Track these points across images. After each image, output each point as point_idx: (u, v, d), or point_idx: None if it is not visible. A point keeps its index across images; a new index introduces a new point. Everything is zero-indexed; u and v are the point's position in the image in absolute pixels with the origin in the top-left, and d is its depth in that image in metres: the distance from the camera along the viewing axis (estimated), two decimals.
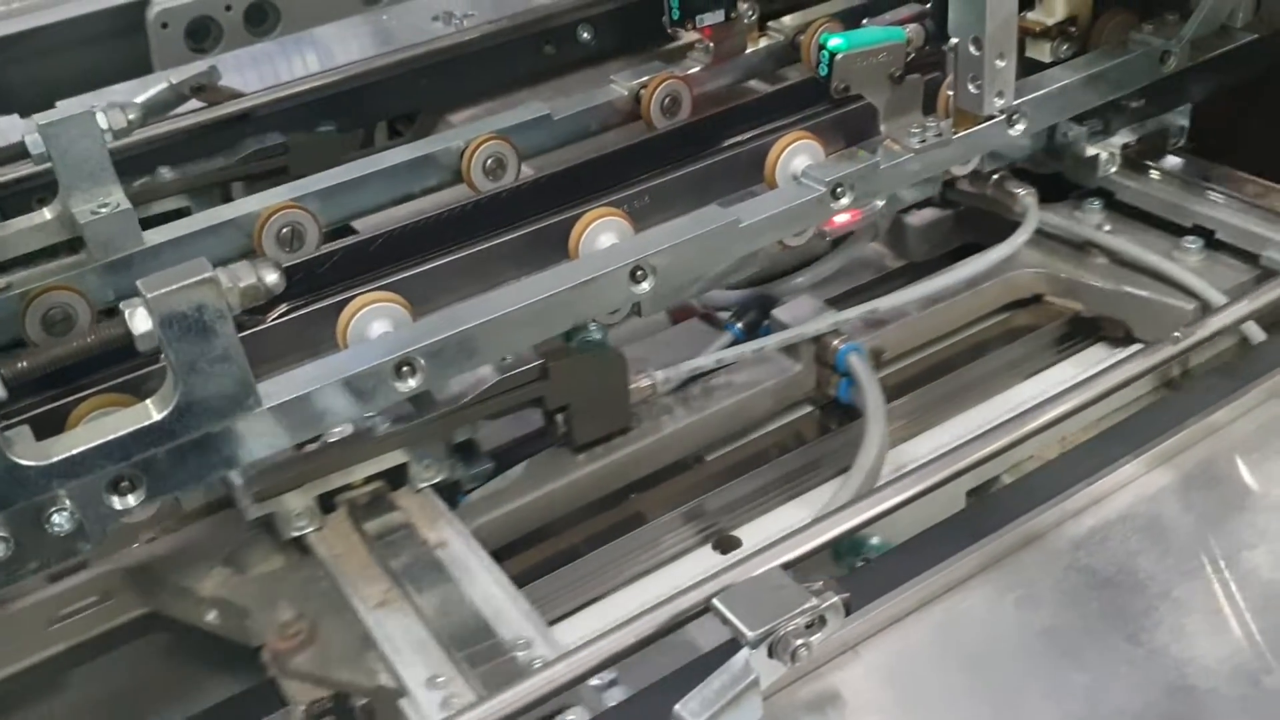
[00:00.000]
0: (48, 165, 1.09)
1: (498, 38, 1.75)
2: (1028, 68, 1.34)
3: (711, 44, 1.41)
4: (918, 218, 1.50)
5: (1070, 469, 0.80)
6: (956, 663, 0.78)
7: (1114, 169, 1.43)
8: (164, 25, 1.96)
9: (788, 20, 1.50)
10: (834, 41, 1.12)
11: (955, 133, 1.17)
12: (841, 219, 1.19)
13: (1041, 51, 1.32)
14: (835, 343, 1.30)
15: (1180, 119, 1.45)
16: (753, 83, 1.49)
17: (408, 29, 1.81)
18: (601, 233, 1.09)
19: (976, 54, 1.11)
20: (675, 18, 1.34)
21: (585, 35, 1.77)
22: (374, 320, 0.98)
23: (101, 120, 1.16)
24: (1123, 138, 1.43)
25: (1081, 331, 1.34)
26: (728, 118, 1.34)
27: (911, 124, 1.18)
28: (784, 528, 1.09)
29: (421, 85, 1.71)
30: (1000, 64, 1.11)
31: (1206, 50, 1.32)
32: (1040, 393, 1.21)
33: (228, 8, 2.01)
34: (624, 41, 1.79)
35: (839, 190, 1.14)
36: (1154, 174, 1.42)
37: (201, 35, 2.00)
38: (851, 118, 1.26)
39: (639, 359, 1.27)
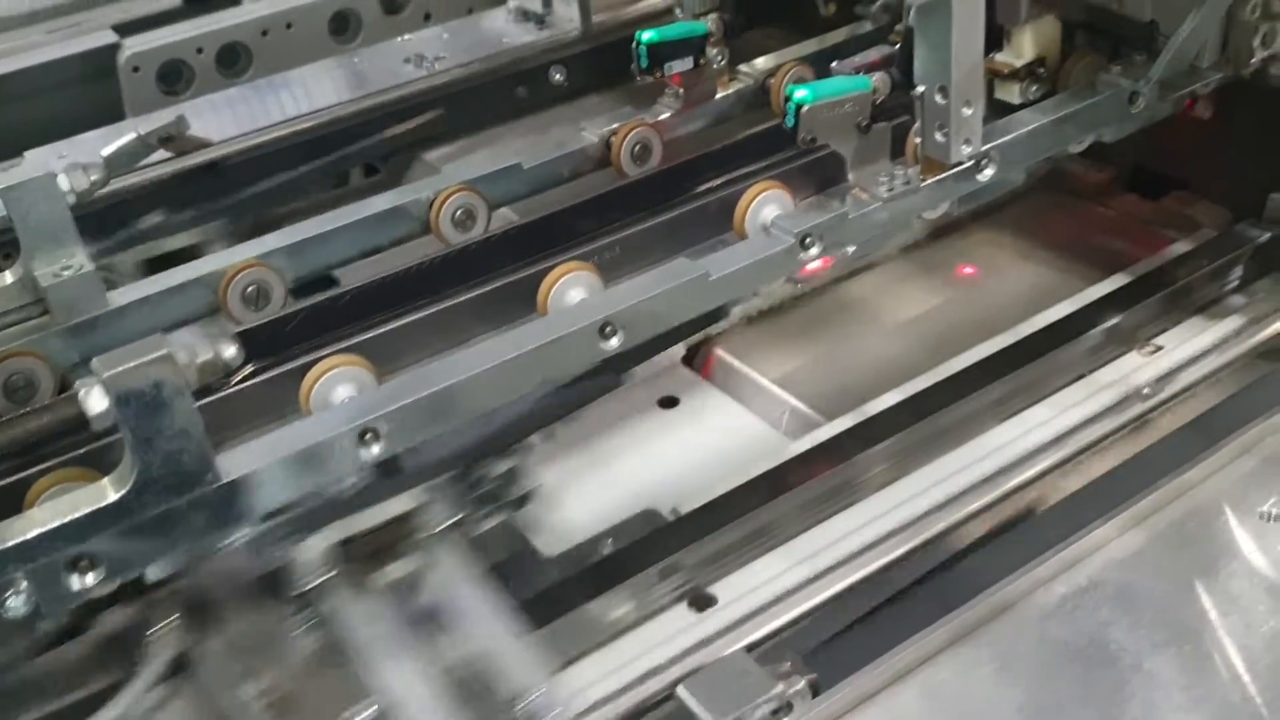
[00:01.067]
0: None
1: (470, 81, 1.75)
2: (997, 109, 1.35)
3: (681, 90, 1.41)
4: None
5: (1040, 533, 0.79)
6: None
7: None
8: (135, 69, 1.96)
9: (758, 64, 1.50)
10: (800, 93, 1.11)
11: (923, 180, 1.17)
12: (813, 266, 1.19)
13: (1010, 93, 1.32)
14: None
15: None
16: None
17: (380, 72, 1.80)
18: (571, 288, 1.08)
19: (942, 102, 1.10)
20: (644, 66, 1.34)
21: (558, 77, 1.77)
22: (337, 385, 0.97)
23: (63, 182, 1.15)
24: None
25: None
26: (698, 165, 1.34)
27: (879, 172, 1.17)
28: (762, 581, 1.09)
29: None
30: (967, 112, 1.11)
31: (1175, 89, 1.32)
32: (1018, 435, 1.21)
33: (199, 50, 2.01)
34: (597, 82, 1.79)
35: (808, 240, 1.13)
36: None
37: (173, 79, 2.00)
38: (820, 165, 1.25)
39: None
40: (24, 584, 0.79)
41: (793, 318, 1.55)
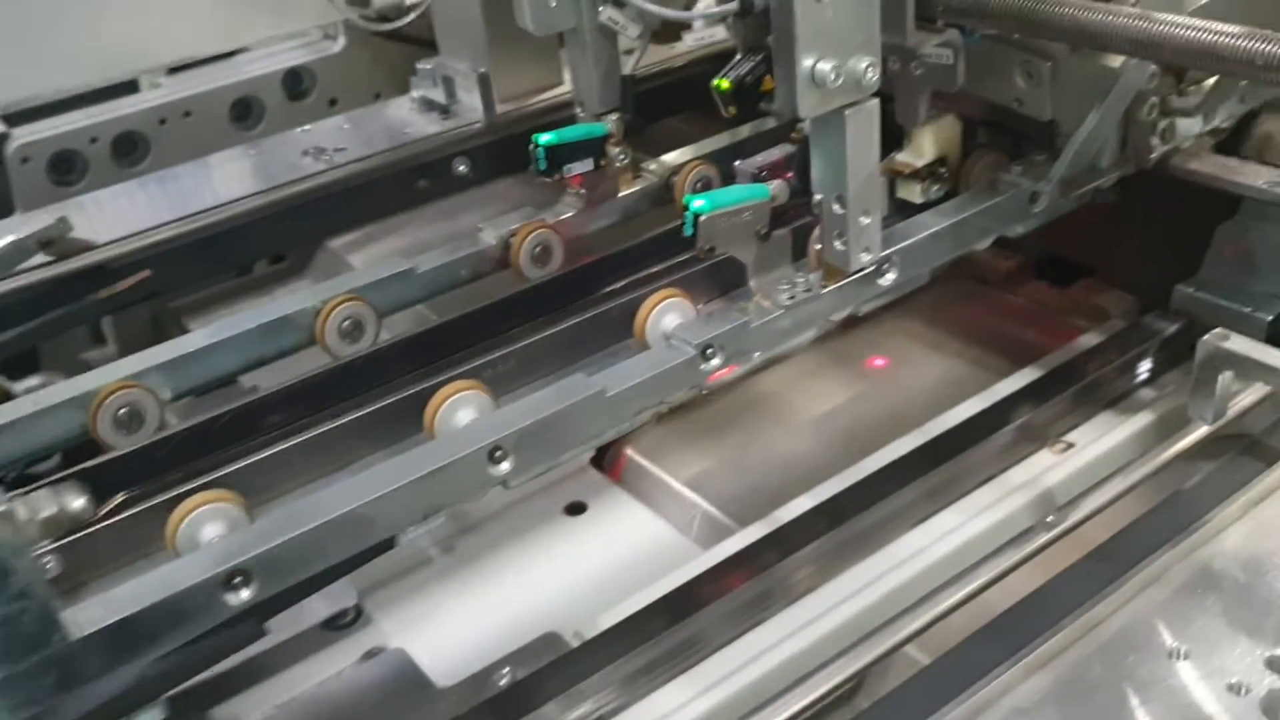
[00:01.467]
0: None
1: (371, 174, 1.71)
2: (900, 208, 1.33)
3: (583, 190, 1.38)
4: None
5: (943, 679, 0.76)
6: None
7: None
8: (24, 160, 1.91)
9: (664, 160, 1.48)
10: (697, 203, 1.09)
11: (825, 286, 1.14)
12: (715, 375, 1.16)
13: (912, 193, 1.31)
14: None
15: None
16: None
17: (278, 164, 1.75)
18: (459, 408, 1.04)
19: (840, 212, 1.08)
20: (542, 169, 1.31)
21: (461, 168, 1.73)
22: (206, 523, 0.92)
23: None
24: None
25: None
26: (599, 267, 1.31)
27: (781, 279, 1.15)
28: (670, 710, 1.04)
29: (293, 224, 1.67)
30: (865, 221, 1.09)
31: (1076, 187, 1.32)
32: (929, 543, 1.18)
33: (93, 140, 1.96)
34: (500, 172, 1.76)
35: (709, 351, 1.10)
36: None
37: (66, 169, 1.95)
38: (721, 269, 1.23)
39: None
40: None
41: (703, 414, 1.51)
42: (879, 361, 1.60)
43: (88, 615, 0.80)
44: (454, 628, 1.18)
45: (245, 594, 0.86)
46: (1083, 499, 0.89)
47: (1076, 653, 0.77)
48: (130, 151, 2.02)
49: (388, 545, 0.99)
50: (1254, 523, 0.87)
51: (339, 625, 1.18)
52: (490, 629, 1.17)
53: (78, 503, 0.80)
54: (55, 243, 1.43)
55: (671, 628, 1.13)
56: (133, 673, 0.83)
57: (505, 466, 0.98)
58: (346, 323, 1.19)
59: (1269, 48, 0.96)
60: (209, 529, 0.91)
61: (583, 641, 1.11)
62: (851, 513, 1.29)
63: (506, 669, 1.08)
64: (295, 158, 1.76)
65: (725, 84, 1.20)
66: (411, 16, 0.71)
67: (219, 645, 0.90)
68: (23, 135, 1.90)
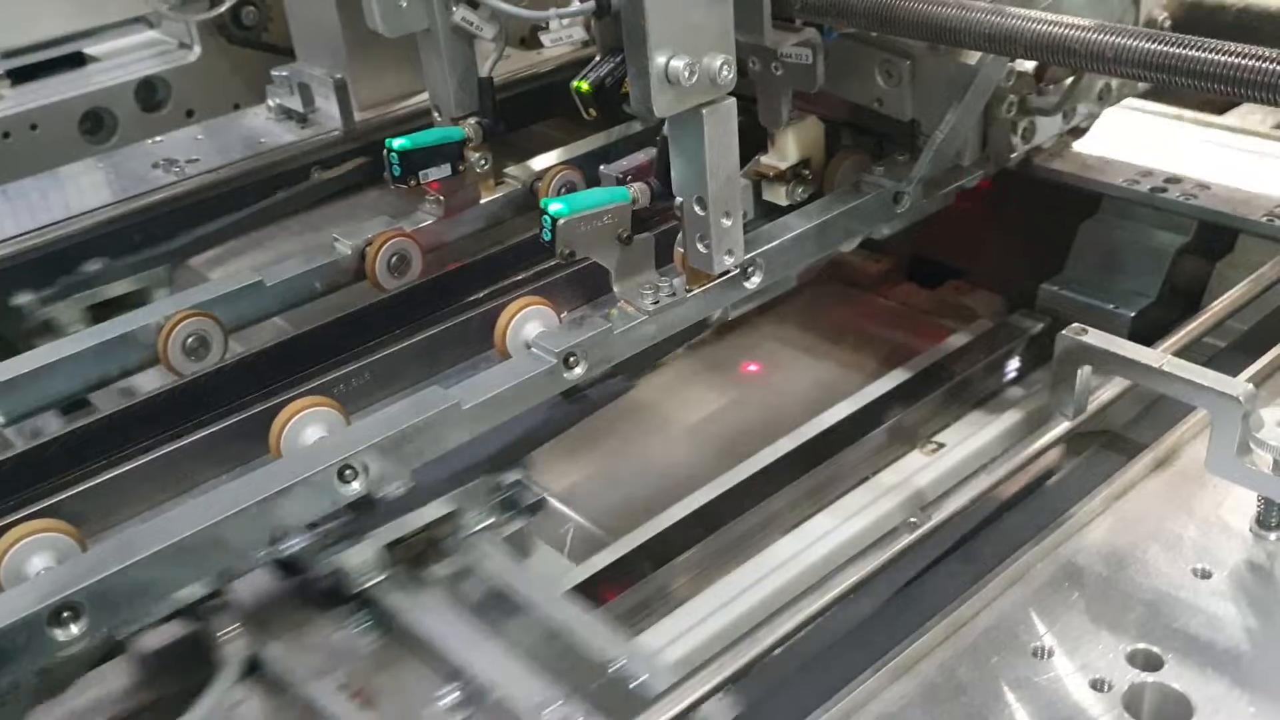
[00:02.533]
0: None
1: (225, 186, 1.64)
2: (766, 209, 1.32)
3: (442, 197, 1.34)
4: None
5: (811, 685, 0.74)
6: None
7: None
8: None
9: (530, 165, 1.45)
10: (555, 206, 1.06)
11: (690, 290, 1.12)
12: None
13: (777, 195, 1.29)
14: None
15: None
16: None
17: (128, 177, 1.68)
18: (307, 425, 0.99)
19: (701, 214, 1.06)
20: (397, 175, 1.26)
21: (320, 177, 1.68)
22: (33, 555, 0.86)
23: None
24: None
25: None
26: (459, 276, 1.27)
27: (644, 283, 1.12)
28: None
29: (142, 240, 1.60)
30: (726, 223, 1.07)
31: (939, 187, 1.32)
32: (803, 548, 1.18)
33: None
34: (361, 181, 1.71)
35: (571, 360, 1.07)
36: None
37: None
38: (584, 275, 1.20)
39: None
40: None
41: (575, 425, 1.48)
42: (752, 367, 1.58)
43: None
44: None
45: (75, 629, 0.80)
46: (949, 497, 0.88)
47: (942, 654, 0.75)
48: None
49: None
50: (1115, 516, 0.87)
51: None
52: None
53: None
54: None
55: None
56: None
57: (356, 486, 0.93)
58: (191, 339, 1.14)
59: (1118, 40, 0.97)
60: (37, 560, 0.85)
61: None
62: (726, 519, 1.29)
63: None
64: (146, 170, 1.69)
65: (585, 86, 1.17)
66: (222, 9, 0.66)
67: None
68: None
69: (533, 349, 1.08)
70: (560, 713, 0.93)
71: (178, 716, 0.96)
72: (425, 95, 1.75)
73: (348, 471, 0.93)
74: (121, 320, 1.16)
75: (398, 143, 1.26)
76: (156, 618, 0.87)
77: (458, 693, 1.00)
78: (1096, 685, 0.73)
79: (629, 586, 1.22)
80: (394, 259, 1.28)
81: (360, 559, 1.06)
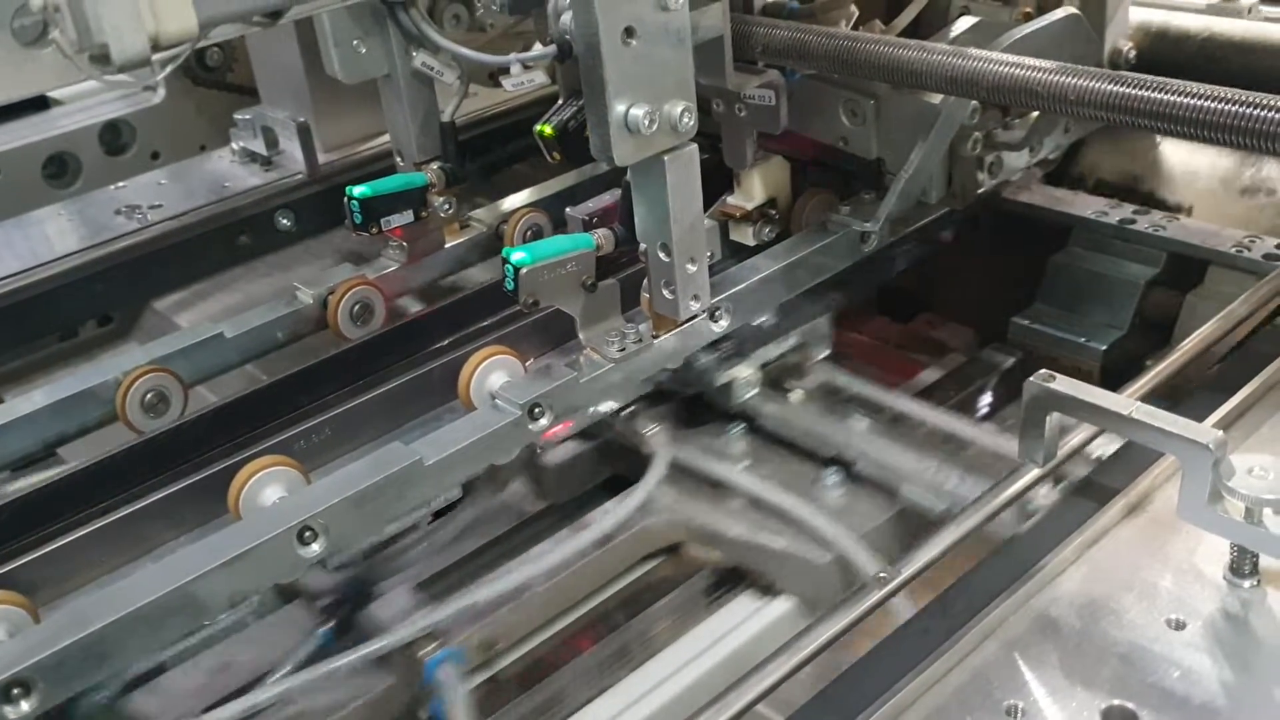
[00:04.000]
0: None
1: (189, 231, 1.62)
2: (735, 249, 1.31)
3: (405, 243, 1.33)
4: (554, 455, 1.28)
5: None
6: None
7: (754, 392, 1.33)
8: None
9: (498, 206, 1.44)
10: (517, 255, 1.05)
11: (656, 336, 1.11)
12: (548, 433, 1.11)
13: (744, 235, 1.29)
14: (422, 654, 1.04)
15: (822, 332, 1.40)
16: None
17: (90, 224, 1.66)
18: (266, 485, 0.97)
19: (666, 260, 1.05)
20: (358, 223, 1.25)
21: (285, 222, 1.66)
22: None
23: None
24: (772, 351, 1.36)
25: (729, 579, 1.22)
26: (423, 324, 1.26)
27: (611, 330, 1.11)
28: None
29: (108, 286, 1.57)
30: (691, 269, 1.06)
31: (905, 225, 1.31)
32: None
33: None
34: (326, 224, 1.69)
35: (537, 410, 1.05)
36: (794, 396, 1.34)
37: None
38: (549, 323, 1.19)
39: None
40: None
41: None
42: None
43: None
44: None
45: (25, 706, 0.78)
46: (918, 550, 0.86)
47: (913, 717, 0.74)
48: None
49: None
50: (1089, 565, 0.85)
51: None
52: None
53: None
54: None
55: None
56: None
57: (315, 548, 0.91)
58: (150, 395, 1.12)
59: (1079, 81, 0.96)
60: None
61: None
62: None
63: None
64: (108, 217, 1.67)
65: (548, 129, 1.16)
66: (166, 73, 0.65)
67: None
68: None
69: (497, 400, 1.06)
70: None
71: None
72: (387, 137, 1.76)
73: (307, 534, 0.91)
74: (78, 377, 1.14)
75: (358, 190, 1.25)
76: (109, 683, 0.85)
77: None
78: None
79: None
80: (356, 307, 1.26)
81: (740, 378, 1.30)
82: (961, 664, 0.77)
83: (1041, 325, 1.47)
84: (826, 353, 1.40)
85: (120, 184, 1.76)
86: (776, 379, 1.36)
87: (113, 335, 1.76)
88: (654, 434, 1.27)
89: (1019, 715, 0.74)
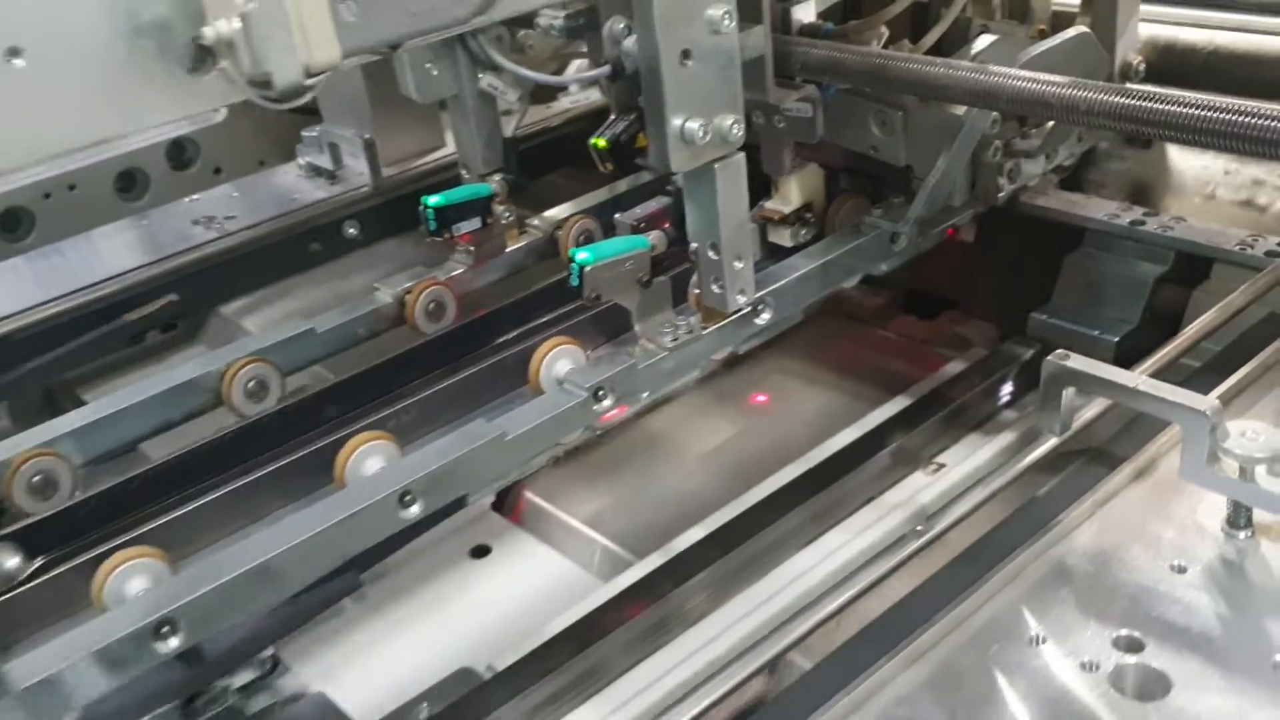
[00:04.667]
0: None
1: (263, 240, 1.75)
2: (772, 250, 1.43)
3: (472, 247, 1.45)
4: None
5: (830, 675, 0.83)
6: None
7: None
8: None
9: (548, 215, 1.56)
10: (582, 255, 1.16)
11: (705, 328, 1.22)
12: (610, 415, 1.23)
13: (782, 237, 1.40)
14: None
15: None
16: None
17: (170, 234, 1.79)
18: (368, 457, 1.09)
19: (715, 258, 1.16)
20: (432, 229, 1.37)
21: (351, 231, 1.78)
22: (131, 578, 0.95)
23: None
24: None
25: None
26: (492, 319, 1.38)
27: (664, 322, 1.23)
28: None
29: (187, 293, 1.70)
30: (738, 265, 1.17)
31: (932, 226, 1.42)
32: (816, 562, 1.24)
33: None
34: (390, 233, 1.82)
35: (600, 393, 1.17)
36: None
37: None
38: (607, 316, 1.30)
39: None
40: None
41: (597, 456, 1.58)
42: (760, 398, 1.68)
43: (23, 669, 0.84)
44: (371, 670, 1.22)
45: (174, 642, 0.90)
46: (949, 509, 0.97)
47: (948, 645, 0.85)
48: (15, 227, 2.03)
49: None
50: (1101, 521, 0.96)
51: (265, 677, 1.22)
52: (406, 668, 1.22)
53: (12, 562, 0.83)
54: None
55: (577, 656, 1.19)
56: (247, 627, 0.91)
57: (414, 510, 1.03)
58: (251, 383, 1.24)
59: (1091, 95, 1.07)
60: (134, 583, 0.95)
61: (494, 674, 1.17)
62: (741, 539, 1.37)
63: (424, 704, 1.13)
64: (186, 227, 1.79)
65: (602, 142, 1.28)
66: (310, 95, 0.76)
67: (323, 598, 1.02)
68: None
69: (565, 384, 1.18)
70: None
71: None
72: (443, 151, 1.89)
73: (407, 497, 1.03)
74: (184, 369, 1.26)
75: (433, 200, 1.37)
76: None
77: None
78: (1086, 667, 0.83)
79: (652, 603, 1.31)
80: (431, 305, 1.38)
81: None
82: (989, 602, 0.88)
83: (1058, 320, 1.58)
84: None
85: (194, 197, 1.89)
86: None
87: (178, 340, 1.89)
88: None
89: (1040, 642, 0.85)
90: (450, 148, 1.86)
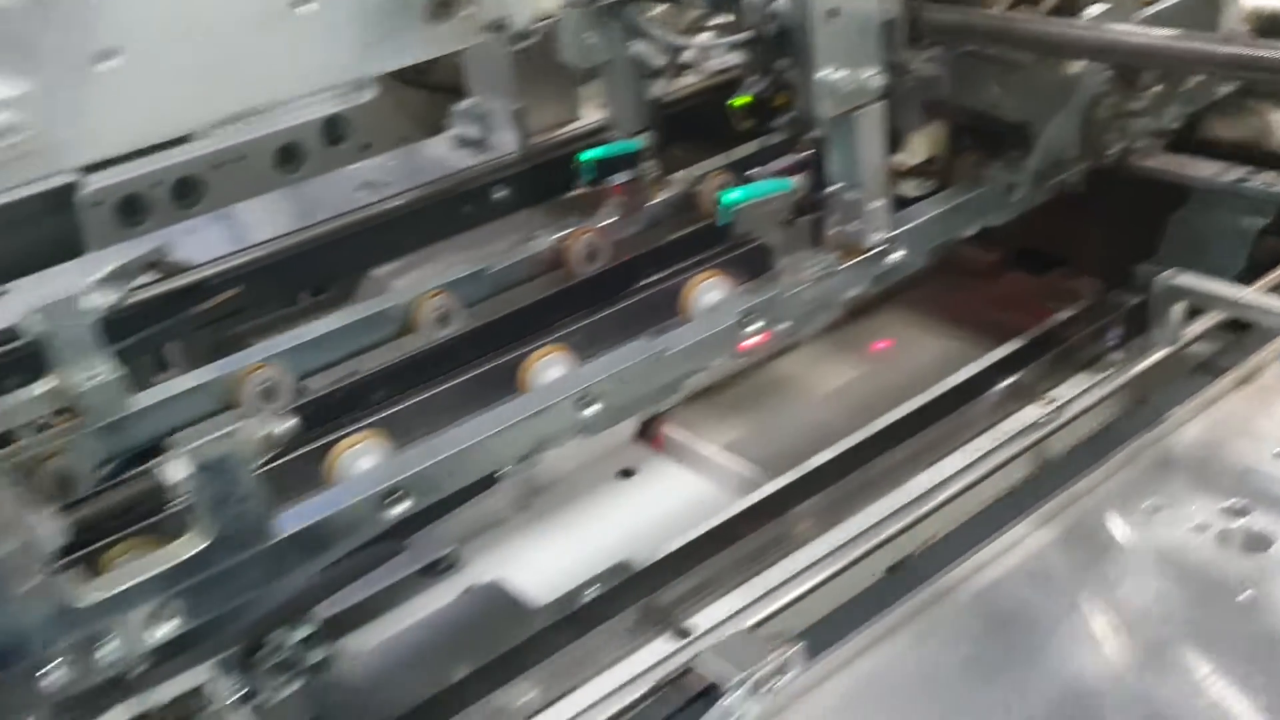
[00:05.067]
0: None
1: (419, 204, 1.91)
2: (898, 201, 1.55)
3: (620, 199, 1.59)
4: None
5: (967, 536, 0.96)
6: (898, 692, 0.94)
7: None
8: (95, 204, 2.09)
9: (687, 172, 1.70)
10: (733, 194, 1.30)
11: (841, 264, 1.36)
12: (752, 341, 1.37)
13: (908, 188, 1.53)
14: None
15: None
16: None
17: (334, 198, 1.95)
18: (549, 367, 1.24)
19: (854, 198, 1.30)
20: (589, 180, 1.52)
21: (500, 194, 1.94)
22: (360, 456, 1.11)
23: (84, 302, 1.28)
24: None
25: None
26: (643, 261, 1.52)
27: (803, 259, 1.36)
28: (736, 609, 1.23)
29: (346, 253, 1.86)
30: (875, 205, 1.31)
31: (1047, 179, 1.54)
32: (939, 479, 1.34)
33: (156, 184, 2.15)
34: (537, 196, 1.97)
35: (748, 319, 1.31)
36: None
37: (131, 211, 2.13)
38: (752, 255, 1.44)
39: None
40: (115, 634, 0.92)
41: (730, 394, 1.72)
42: (882, 344, 1.81)
43: (287, 521, 1.00)
44: (539, 566, 1.38)
45: (400, 508, 1.06)
46: (1071, 404, 1.09)
47: (1074, 511, 0.97)
48: (189, 194, 2.22)
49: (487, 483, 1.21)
50: (1207, 420, 1.08)
51: (437, 571, 1.38)
52: (571, 564, 1.37)
53: (284, 426, 0.99)
54: (158, 264, 1.63)
55: (718, 554, 1.33)
56: (296, 584, 1.03)
57: (590, 411, 1.18)
58: (437, 312, 1.40)
59: (1199, 45, 1.19)
60: (362, 462, 1.11)
61: (648, 564, 1.31)
62: (866, 461, 1.50)
63: (591, 587, 1.27)
64: (348, 193, 1.96)
65: (742, 101, 1.42)
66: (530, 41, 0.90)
67: (367, 561, 1.11)
68: (94, 181, 2.09)
69: (715, 311, 1.32)
70: None
71: None
72: (579, 123, 2.04)
73: (584, 400, 1.18)
74: (379, 300, 1.42)
75: (590, 154, 1.52)
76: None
77: None
78: (1196, 529, 0.95)
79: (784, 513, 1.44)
80: (587, 251, 1.53)
81: None
82: (1110, 479, 1.01)
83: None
84: None
85: (355, 165, 2.06)
86: None
87: (329, 303, 2.05)
88: None
89: (1155, 511, 0.98)
90: (584, 120, 2.01)
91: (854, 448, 1.49)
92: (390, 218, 1.89)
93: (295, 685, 1.09)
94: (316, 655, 1.10)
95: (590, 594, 1.26)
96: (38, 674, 0.88)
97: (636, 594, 1.25)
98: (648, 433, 1.65)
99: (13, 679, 0.87)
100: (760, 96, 1.42)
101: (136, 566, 0.93)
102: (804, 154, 1.56)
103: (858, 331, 1.84)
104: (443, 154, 2.06)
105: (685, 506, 1.50)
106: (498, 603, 1.32)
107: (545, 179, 1.90)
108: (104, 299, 1.31)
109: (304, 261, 1.82)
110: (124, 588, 0.91)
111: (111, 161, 2.12)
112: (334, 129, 2.40)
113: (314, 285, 2.01)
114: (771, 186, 1.34)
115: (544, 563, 1.39)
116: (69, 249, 2.00)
